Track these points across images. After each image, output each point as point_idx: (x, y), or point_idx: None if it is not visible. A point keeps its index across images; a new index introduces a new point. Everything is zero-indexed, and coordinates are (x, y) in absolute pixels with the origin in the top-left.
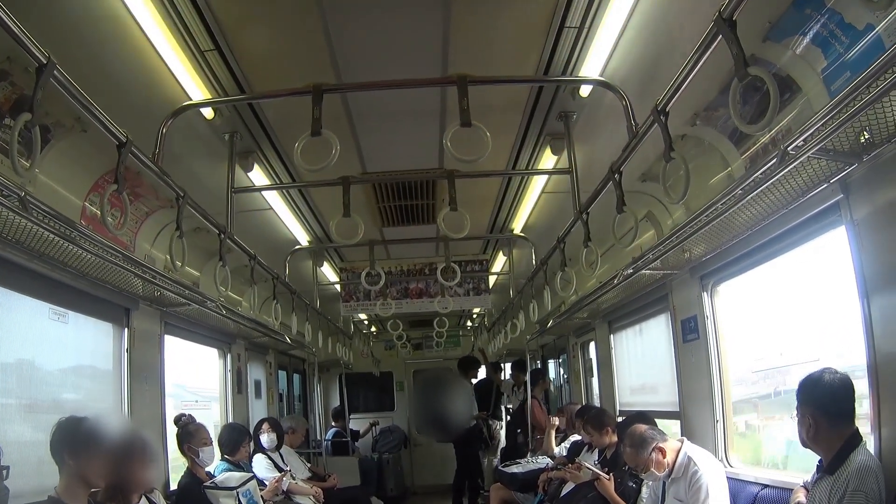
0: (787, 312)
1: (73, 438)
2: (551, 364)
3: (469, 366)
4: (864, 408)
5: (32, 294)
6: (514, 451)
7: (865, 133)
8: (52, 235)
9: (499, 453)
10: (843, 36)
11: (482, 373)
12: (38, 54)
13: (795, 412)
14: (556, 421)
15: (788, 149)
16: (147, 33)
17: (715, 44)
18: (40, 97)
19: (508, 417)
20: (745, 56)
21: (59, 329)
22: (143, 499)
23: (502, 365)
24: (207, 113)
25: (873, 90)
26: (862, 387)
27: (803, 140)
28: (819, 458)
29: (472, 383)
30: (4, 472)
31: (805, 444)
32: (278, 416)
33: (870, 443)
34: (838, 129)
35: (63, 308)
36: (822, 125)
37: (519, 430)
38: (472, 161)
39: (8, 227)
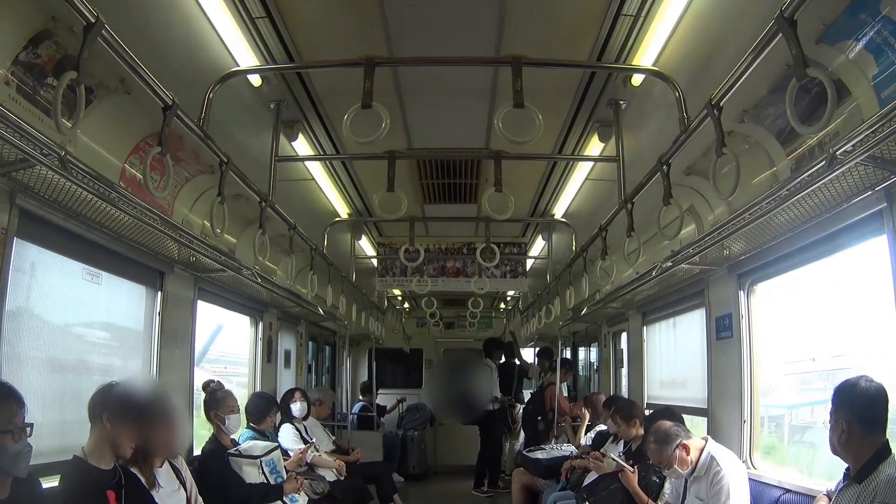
0: (823, 317)
1: (116, 403)
2: (582, 352)
3: (493, 347)
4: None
5: (67, 254)
6: (535, 437)
7: None
8: (90, 196)
9: (520, 438)
10: None
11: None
12: (86, 13)
13: (829, 418)
14: (586, 414)
15: (837, 153)
16: None
17: (774, 42)
18: (86, 56)
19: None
20: (805, 57)
21: (92, 290)
22: (167, 463)
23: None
24: (255, 80)
25: None
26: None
27: (852, 146)
28: (847, 466)
29: (496, 365)
30: (28, 429)
31: (835, 451)
32: (306, 387)
33: None
34: (888, 138)
35: (97, 269)
36: (871, 132)
37: (539, 418)
38: (523, 143)
39: (46, 186)
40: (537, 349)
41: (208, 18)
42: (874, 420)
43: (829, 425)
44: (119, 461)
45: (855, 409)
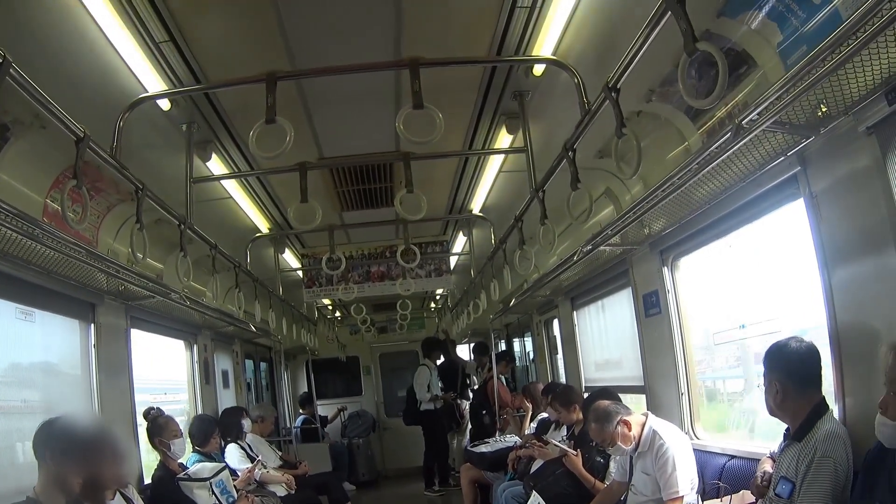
0: (748, 284)
1: (53, 440)
2: (516, 343)
3: (432, 347)
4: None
5: None
6: (482, 431)
7: (823, 106)
8: (14, 234)
9: (467, 434)
10: (798, 10)
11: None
12: None
13: (763, 380)
14: (529, 405)
15: (743, 122)
16: (102, 27)
17: (665, 19)
18: None
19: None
20: (695, 31)
21: (26, 328)
22: (118, 495)
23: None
24: (164, 104)
25: (828, 62)
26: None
27: (758, 114)
28: (786, 426)
29: (435, 365)
30: None
31: (772, 412)
32: (247, 405)
33: (834, 412)
34: (793, 102)
35: (29, 307)
36: (776, 98)
37: (484, 412)
38: (426, 143)
39: None
40: (472, 345)
41: (114, 47)
42: (808, 378)
43: (763, 388)
44: (69, 499)
45: (787, 369)
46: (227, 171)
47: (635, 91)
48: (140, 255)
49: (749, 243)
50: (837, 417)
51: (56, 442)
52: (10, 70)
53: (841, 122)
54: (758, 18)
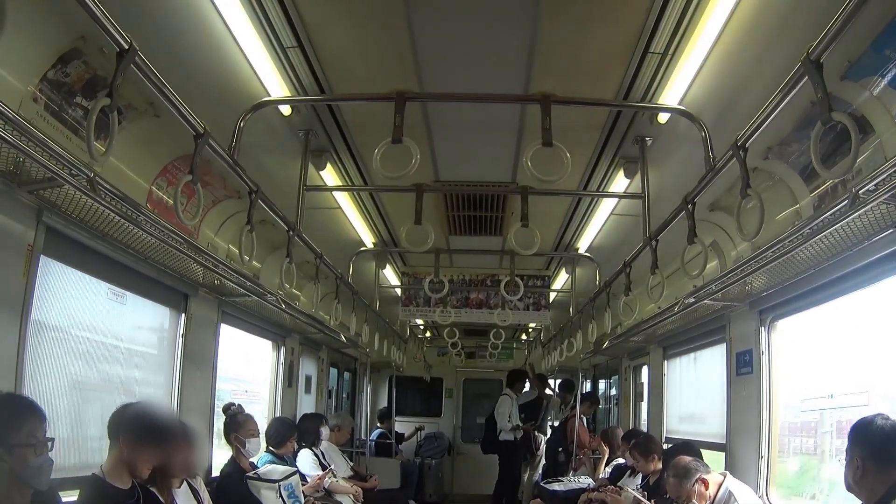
0: (842, 354)
1: (129, 423)
2: (601, 384)
3: (516, 378)
4: None
5: (92, 273)
6: (555, 469)
7: None
8: (117, 217)
9: (539, 469)
10: None
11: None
12: (119, 40)
13: (845, 455)
14: (605, 449)
15: (860, 192)
16: (230, 26)
17: (800, 84)
18: (120, 83)
19: (549, 433)
20: (830, 101)
21: (116, 309)
22: (185, 483)
23: (550, 382)
24: (284, 109)
25: None
26: None
27: (874, 185)
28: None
29: (517, 396)
30: (50, 443)
31: (849, 488)
32: (326, 412)
33: None
34: None
35: (122, 289)
36: (893, 172)
37: (560, 449)
38: (551, 181)
39: (74, 206)
40: (558, 381)
41: (239, 46)
42: (888, 457)
43: (844, 462)
44: (137, 480)
45: (870, 446)
46: (341, 183)
47: (754, 148)
48: (248, 258)
49: (849, 312)
50: None
51: (132, 426)
52: (136, 58)
53: None
54: (880, 86)
